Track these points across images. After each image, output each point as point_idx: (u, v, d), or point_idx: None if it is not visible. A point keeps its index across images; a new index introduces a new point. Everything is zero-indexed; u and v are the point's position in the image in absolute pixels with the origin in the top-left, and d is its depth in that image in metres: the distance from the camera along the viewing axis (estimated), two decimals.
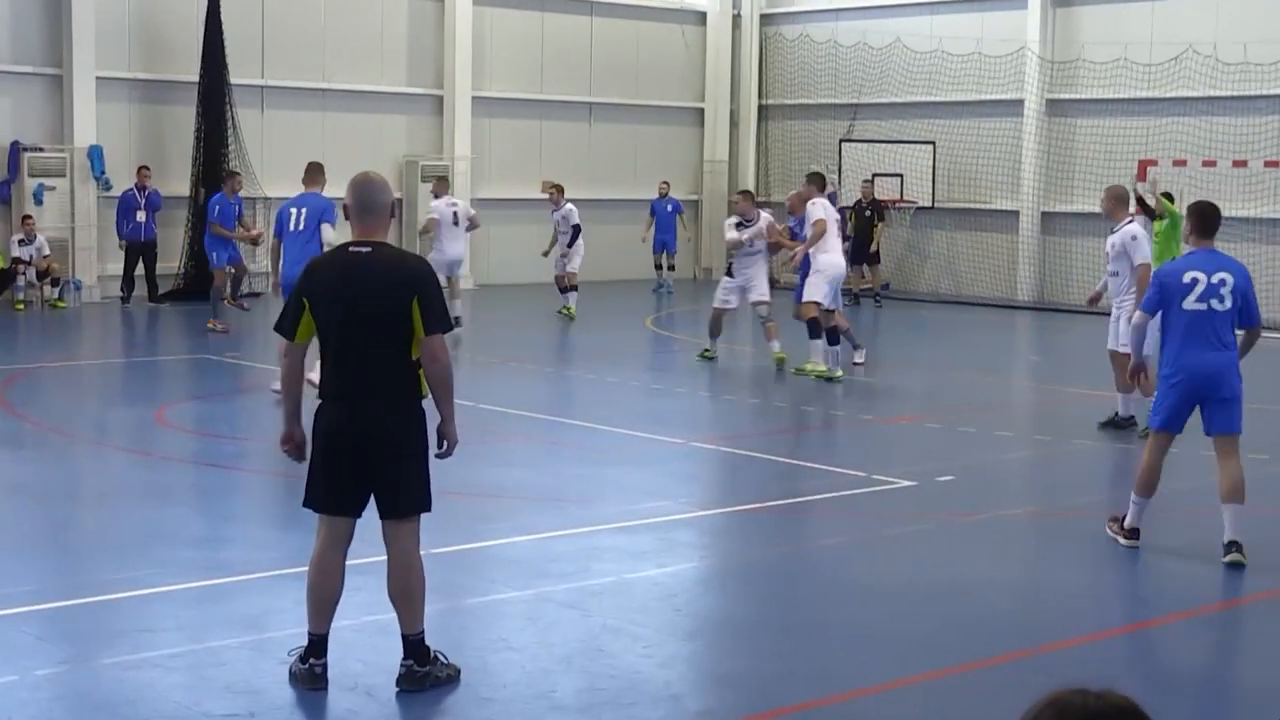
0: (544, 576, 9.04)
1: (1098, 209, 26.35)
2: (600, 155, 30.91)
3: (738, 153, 32.82)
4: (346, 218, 7.08)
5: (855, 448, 14.05)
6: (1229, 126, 25.30)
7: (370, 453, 6.86)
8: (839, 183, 29.58)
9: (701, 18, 32.58)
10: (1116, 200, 14.64)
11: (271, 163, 26.46)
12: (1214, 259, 9.76)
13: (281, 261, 15.75)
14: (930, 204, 29.13)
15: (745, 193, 19.88)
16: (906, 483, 11.96)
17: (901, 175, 29.13)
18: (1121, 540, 9.94)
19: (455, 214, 21.99)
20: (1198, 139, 25.44)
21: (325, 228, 15.27)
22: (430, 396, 7.00)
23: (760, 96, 32.65)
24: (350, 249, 6.95)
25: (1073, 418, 15.77)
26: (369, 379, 6.83)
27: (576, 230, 24.07)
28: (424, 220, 22.86)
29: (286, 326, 6.98)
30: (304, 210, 15.38)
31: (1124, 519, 9.97)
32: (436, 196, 22.32)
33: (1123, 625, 8.49)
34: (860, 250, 27.34)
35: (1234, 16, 25.34)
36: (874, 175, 28.78)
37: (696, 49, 32.55)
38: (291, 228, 15.31)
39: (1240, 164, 24.09)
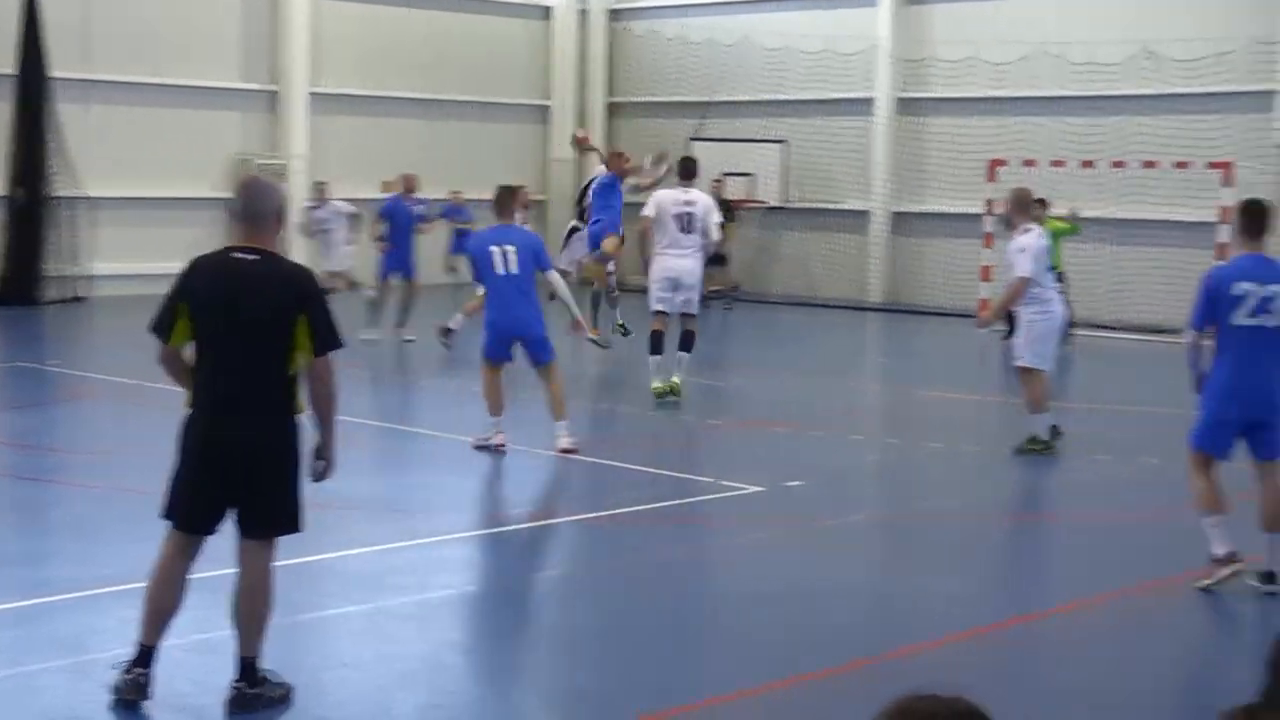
0: (383, 590, 8.83)
1: (949, 209, 26.85)
2: (442, 154, 30.43)
3: (584, 151, 32.49)
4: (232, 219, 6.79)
5: (704, 453, 13.90)
6: (1077, 126, 25.60)
7: (240, 469, 6.65)
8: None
9: (546, 12, 32.26)
10: (1017, 205, 13.19)
11: (97, 161, 25.56)
12: (1268, 268, 8.89)
13: (489, 311, 13.26)
14: (781, 204, 29.09)
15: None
16: (756, 488, 11.83)
17: (752, 174, 29.01)
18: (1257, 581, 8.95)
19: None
20: (1047, 139, 25.69)
21: (554, 276, 13.46)
22: (307, 412, 6.79)
23: (608, 93, 32.42)
24: (234, 254, 6.68)
25: (924, 420, 15.77)
26: (244, 392, 6.62)
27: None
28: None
29: (161, 329, 6.71)
30: (512, 248, 12.83)
31: (1222, 556, 8.96)
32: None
33: (971, 629, 8.41)
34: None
35: (1081, 17, 25.62)
36: (724, 174, 28.64)
37: (541, 44, 32.22)
38: (501, 269, 12.80)
39: (1088, 164, 24.34)
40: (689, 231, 15.73)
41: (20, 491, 11.75)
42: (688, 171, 16.32)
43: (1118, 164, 24.10)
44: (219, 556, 9.17)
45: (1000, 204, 13.89)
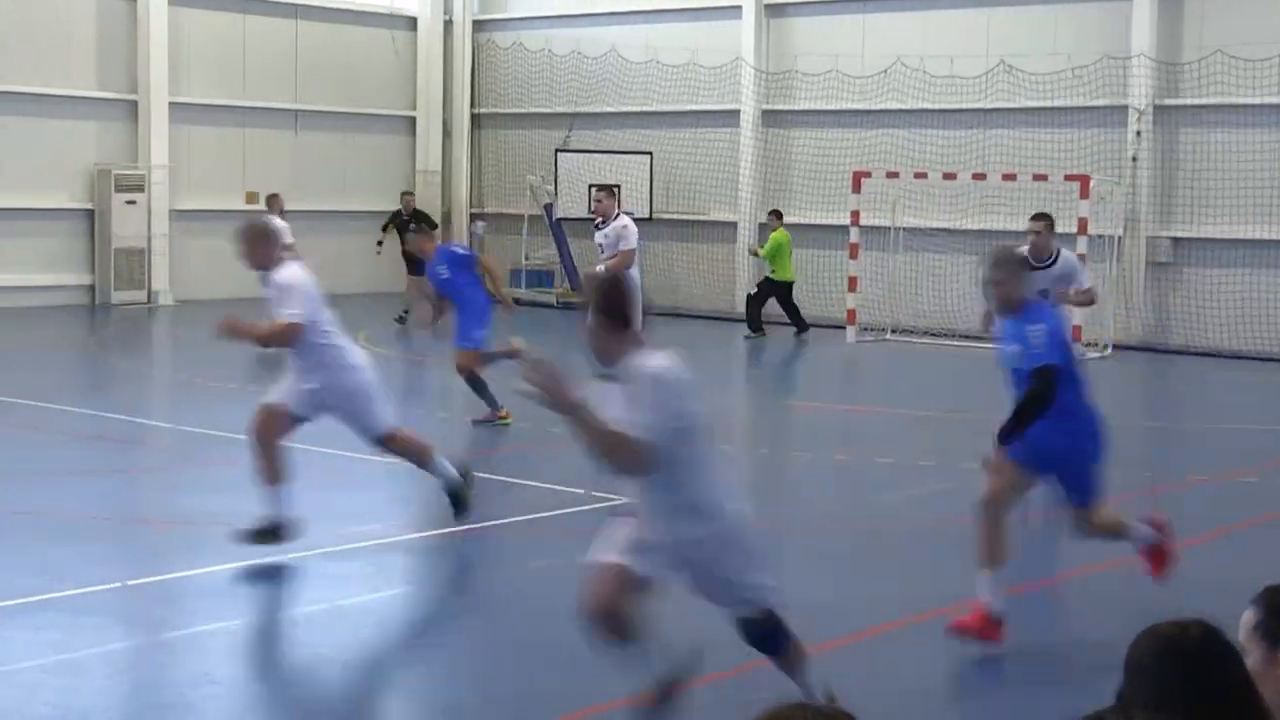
0: (251, 606, 8.70)
1: (815, 220, 27.14)
2: (308, 165, 30.10)
3: (451, 162, 32.38)
4: None
5: (574, 465, 13.72)
6: (939, 139, 25.95)
7: None
8: (555, 194, 29.40)
9: (412, 23, 32.04)
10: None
11: None
12: None
13: None
14: (648, 215, 29.13)
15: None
16: (627, 499, 11.72)
17: (619, 186, 29.03)
18: None
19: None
20: (909, 151, 26.02)
21: None
22: None
23: (473, 105, 32.27)
24: None
25: (791, 429, 15.85)
26: None
27: None
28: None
29: None
30: None
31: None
32: None
33: (839, 637, 8.43)
34: (413, 266, 24.46)
35: (940, 31, 25.99)
36: (590, 185, 28.64)
37: (407, 55, 31.99)
38: None
39: (950, 176, 24.68)
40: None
41: None
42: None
43: (978, 176, 24.48)
44: (79, 577, 9.03)
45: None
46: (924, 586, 9.63)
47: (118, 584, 9.07)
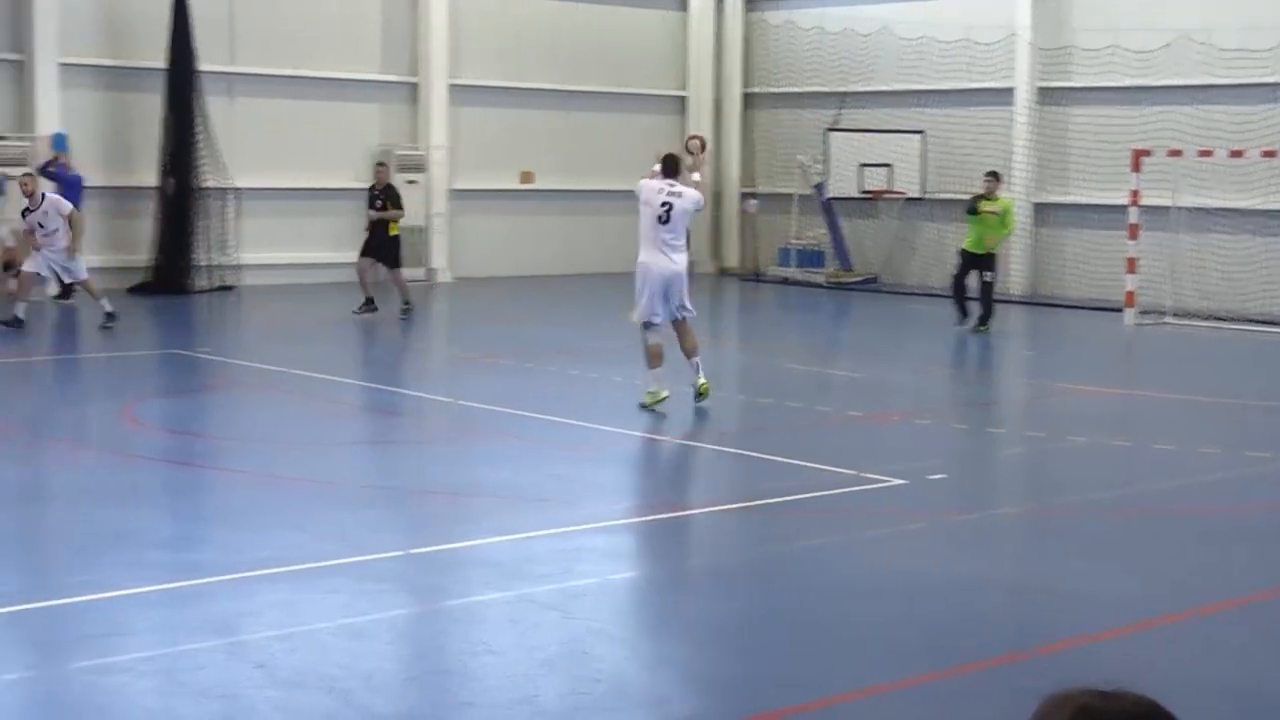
0: (525, 578, 8.85)
1: (1092, 200, 26.49)
2: (580, 145, 30.55)
3: (721, 142, 32.48)
4: None
5: (844, 445, 13.79)
6: (1225, 115, 25.02)
7: None
8: (826, 172, 29.28)
9: (683, 3, 32.21)
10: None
11: (241, 152, 25.98)
12: None
13: None
14: (920, 195, 28.83)
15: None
16: (897, 481, 11.71)
17: (890, 165, 28.81)
18: None
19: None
20: (1194, 128, 25.17)
21: None
22: None
23: (744, 84, 32.31)
24: None
25: (1066, 413, 15.54)
26: None
27: None
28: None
29: None
30: None
31: None
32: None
33: (1119, 626, 8.26)
34: (379, 246, 22.54)
35: (1228, 2, 25.07)
36: (861, 165, 28.50)
37: (678, 35, 32.20)
38: None
39: (1237, 154, 23.79)
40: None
41: (172, 476, 12.00)
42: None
43: (1268, 153, 23.56)
44: (365, 544, 9.39)
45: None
46: (1201, 578, 9.38)
47: (400, 552, 9.39)
